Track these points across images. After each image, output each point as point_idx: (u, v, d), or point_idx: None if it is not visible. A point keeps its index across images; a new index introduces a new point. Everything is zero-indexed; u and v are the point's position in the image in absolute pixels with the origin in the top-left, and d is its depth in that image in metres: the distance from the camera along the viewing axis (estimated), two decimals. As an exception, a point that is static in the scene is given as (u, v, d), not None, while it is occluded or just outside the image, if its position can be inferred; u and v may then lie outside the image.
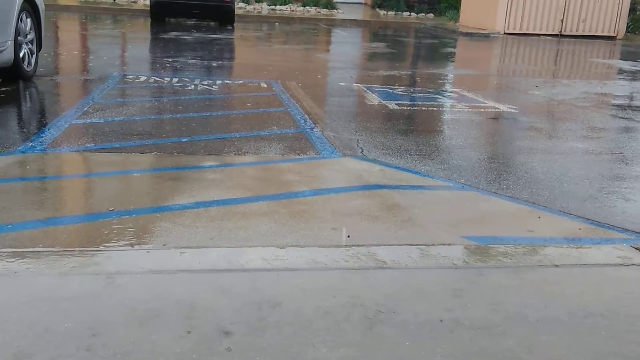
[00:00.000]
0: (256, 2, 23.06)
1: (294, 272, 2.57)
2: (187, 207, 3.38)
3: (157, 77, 8.00)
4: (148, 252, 2.73)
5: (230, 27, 15.82)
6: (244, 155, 4.65)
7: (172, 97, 6.79)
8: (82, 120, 5.41)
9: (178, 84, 7.51)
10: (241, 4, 21.81)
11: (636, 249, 2.98)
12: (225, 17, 15.87)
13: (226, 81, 8.17)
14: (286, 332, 2.12)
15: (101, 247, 2.80)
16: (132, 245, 2.85)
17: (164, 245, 2.87)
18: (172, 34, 13.56)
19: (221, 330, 2.10)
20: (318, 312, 2.25)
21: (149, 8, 16.36)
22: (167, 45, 11.92)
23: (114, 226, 3.07)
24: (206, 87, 7.45)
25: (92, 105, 6.05)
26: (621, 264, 2.81)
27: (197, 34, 13.76)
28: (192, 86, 7.42)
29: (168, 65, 9.17)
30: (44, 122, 5.40)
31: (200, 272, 2.51)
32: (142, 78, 7.83)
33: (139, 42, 13.19)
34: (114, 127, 5.24)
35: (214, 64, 9.68)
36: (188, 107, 6.30)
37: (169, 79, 7.84)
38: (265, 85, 7.76)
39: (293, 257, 2.72)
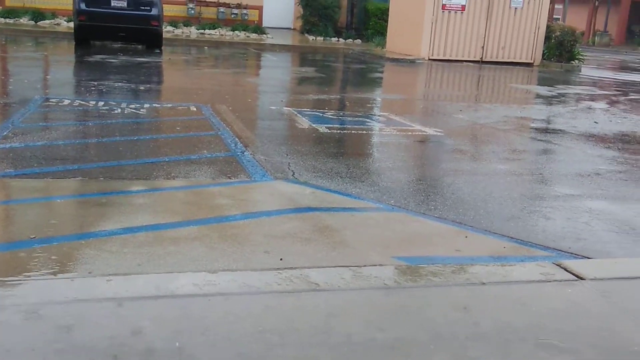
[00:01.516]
0: (184, 25, 22.89)
1: (225, 296, 2.53)
2: (114, 233, 3.29)
3: (81, 100, 7.78)
4: (72, 280, 2.63)
5: (158, 51, 15.61)
6: (174, 179, 4.57)
7: (98, 120, 6.62)
8: (0, 145, 5.19)
9: (104, 108, 7.33)
10: (169, 28, 21.58)
11: (557, 265, 3.10)
12: (152, 41, 15.64)
13: (154, 105, 8.04)
14: (218, 358, 2.07)
15: (21, 277, 2.67)
16: (55, 274, 2.74)
17: (90, 273, 2.77)
18: (98, 57, 13.25)
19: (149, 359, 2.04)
20: (251, 337, 2.22)
21: (72, 30, 15.94)
22: (93, 68, 11.64)
23: (36, 255, 2.94)
24: (133, 110, 7.30)
25: (11, 129, 5.82)
26: (544, 280, 2.92)
27: (123, 57, 13.50)
28: (119, 110, 7.25)
29: (93, 88, 8.94)
30: (-41, 147, 5.14)
31: (128, 300, 2.44)
32: (66, 101, 7.59)
33: (62, 65, 12.81)
34: (35, 152, 5.05)
35: (142, 88, 9.51)
36: (114, 131, 6.15)
37: (94, 103, 7.64)
38: (195, 109, 7.68)
39: (225, 281, 2.68)
